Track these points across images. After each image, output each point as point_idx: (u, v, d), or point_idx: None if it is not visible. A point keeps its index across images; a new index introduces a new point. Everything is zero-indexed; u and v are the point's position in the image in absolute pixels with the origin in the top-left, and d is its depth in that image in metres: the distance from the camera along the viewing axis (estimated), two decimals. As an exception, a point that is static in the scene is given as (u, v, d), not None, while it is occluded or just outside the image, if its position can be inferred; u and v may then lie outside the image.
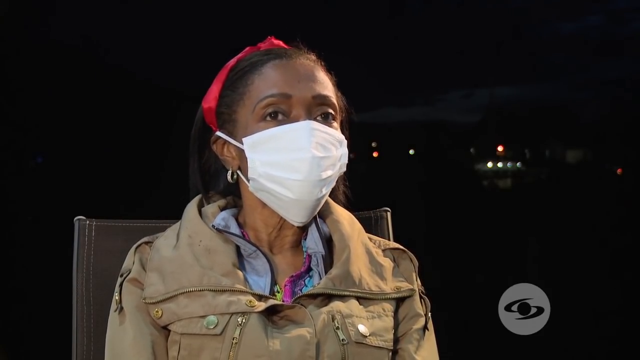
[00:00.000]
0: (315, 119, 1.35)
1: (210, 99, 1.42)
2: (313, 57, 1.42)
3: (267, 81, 1.36)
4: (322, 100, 1.37)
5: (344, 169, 1.39)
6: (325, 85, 1.39)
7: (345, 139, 1.40)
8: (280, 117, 1.35)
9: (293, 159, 1.32)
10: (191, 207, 1.44)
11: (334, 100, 1.39)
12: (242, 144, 1.36)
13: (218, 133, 1.41)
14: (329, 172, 1.34)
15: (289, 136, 1.33)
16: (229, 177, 1.41)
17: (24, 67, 4.08)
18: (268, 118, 1.35)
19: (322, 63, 1.43)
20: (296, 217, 1.36)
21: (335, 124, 1.38)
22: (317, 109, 1.36)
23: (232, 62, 1.43)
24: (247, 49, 1.45)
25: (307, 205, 1.35)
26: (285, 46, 1.44)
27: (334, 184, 1.38)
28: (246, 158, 1.36)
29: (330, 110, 1.37)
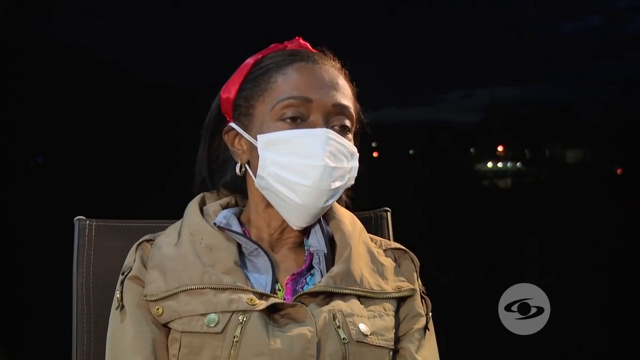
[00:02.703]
0: (332, 128, 1.35)
1: (229, 90, 1.42)
2: (338, 65, 1.42)
3: (290, 82, 1.36)
4: (342, 110, 1.37)
5: (352, 182, 1.39)
6: (346, 95, 1.39)
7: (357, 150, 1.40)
8: (298, 120, 1.35)
9: (305, 164, 1.32)
10: (193, 205, 1.44)
11: (353, 111, 1.39)
12: (256, 140, 1.36)
13: (232, 124, 1.41)
14: (338, 183, 1.35)
15: (304, 141, 1.33)
16: (237, 169, 1.41)
17: (24, 67, 4.08)
18: (286, 119, 1.35)
19: (346, 73, 1.43)
20: (297, 221, 1.37)
21: (350, 136, 1.39)
22: (335, 118, 1.36)
23: (257, 56, 1.43)
24: (273, 45, 1.44)
25: (311, 212, 1.35)
26: (312, 49, 1.44)
27: (340, 195, 1.39)
28: (257, 154, 1.36)
29: (348, 122, 1.37)
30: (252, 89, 1.39)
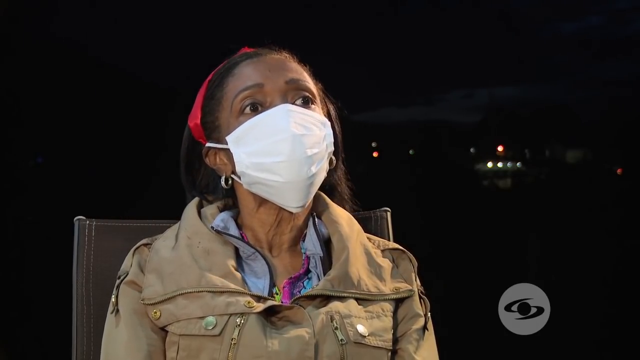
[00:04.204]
0: (293, 104, 1.36)
1: (195, 116, 1.44)
2: (285, 53, 1.44)
3: (240, 78, 1.38)
4: (297, 85, 1.38)
5: (332, 148, 1.39)
6: (298, 72, 1.40)
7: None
8: (258, 107, 1.36)
9: (274, 141, 1.32)
10: (190, 208, 1.44)
11: (309, 85, 1.40)
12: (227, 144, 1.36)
13: (207, 144, 1.42)
14: (315, 150, 1.34)
15: (268, 122, 1.34)
16: (222, 183, 1.41)
17: (23, 67, 4.08)
18: (246, 110, 1.36)
19: (295, 57, 1.44)
20: (292, 201, 1.35)
21: (315, 107, 1.39)
22: (293, 94, 1.37)
23: (210, 76, 1.45)
24: (224, 62, 1.47)
25: (299, 186, 1.34)
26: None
27: (324, 163, 1.37)
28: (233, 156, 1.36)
29: (307, 94, 1.38)
30: (211, 102, 1.41)
